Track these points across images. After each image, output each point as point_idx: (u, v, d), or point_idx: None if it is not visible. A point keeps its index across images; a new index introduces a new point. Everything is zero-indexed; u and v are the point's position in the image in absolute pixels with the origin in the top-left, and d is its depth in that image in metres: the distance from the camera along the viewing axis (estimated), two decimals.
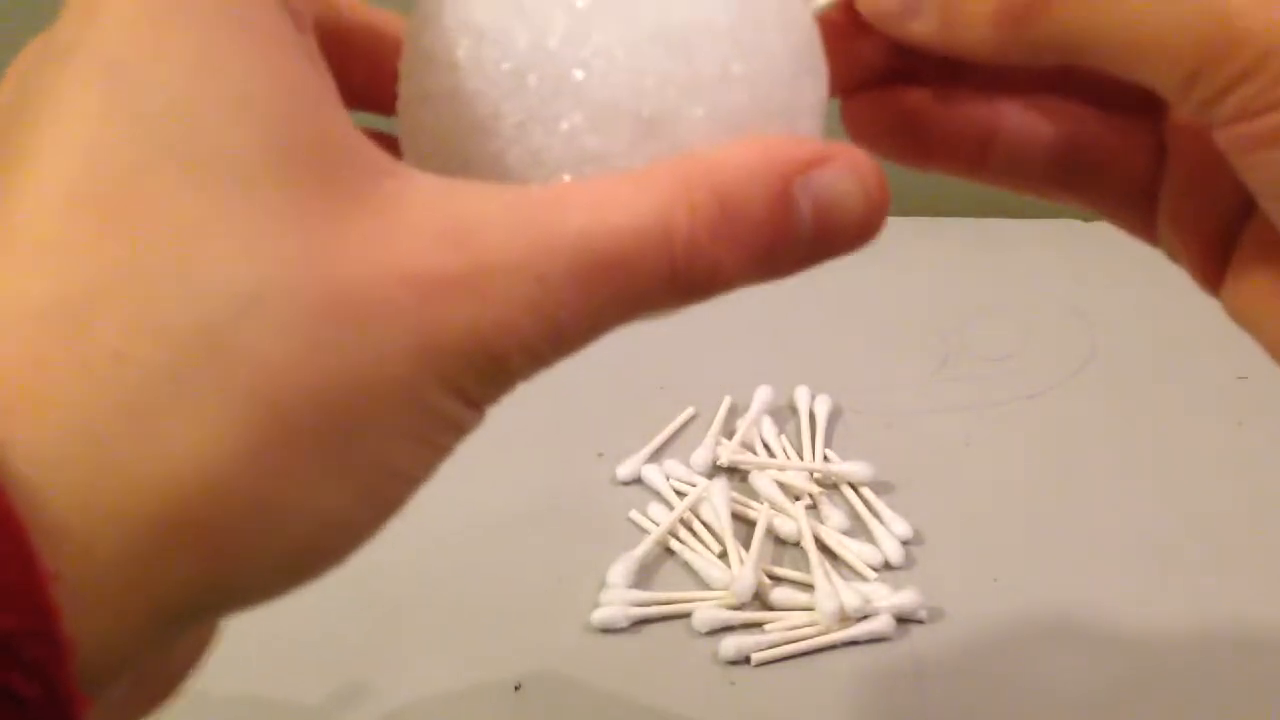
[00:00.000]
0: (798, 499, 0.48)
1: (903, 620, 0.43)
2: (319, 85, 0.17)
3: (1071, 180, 0.25)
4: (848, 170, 0.18)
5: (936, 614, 0.43)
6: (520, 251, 0.17)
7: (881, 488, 0.49)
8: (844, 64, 0.23)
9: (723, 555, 0.45)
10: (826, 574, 0.44)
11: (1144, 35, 0.19)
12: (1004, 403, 0.56)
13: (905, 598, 0.43)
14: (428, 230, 0.16)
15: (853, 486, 0.49)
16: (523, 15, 0.19)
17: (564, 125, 0.19)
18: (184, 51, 0.16)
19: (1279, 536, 0.48)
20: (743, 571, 0.44)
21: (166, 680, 0.20)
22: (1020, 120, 0.24)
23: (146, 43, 0.16)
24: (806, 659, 0.42)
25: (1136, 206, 0.25)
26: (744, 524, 0.47)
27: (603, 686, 0.41)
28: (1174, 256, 0.25)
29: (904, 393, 0.56)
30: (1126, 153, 0.24)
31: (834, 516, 0.47)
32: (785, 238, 0.18)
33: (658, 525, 0.47)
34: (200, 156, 0.15)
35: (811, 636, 0.42)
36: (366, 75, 0.22)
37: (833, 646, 0.42)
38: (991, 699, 0.40)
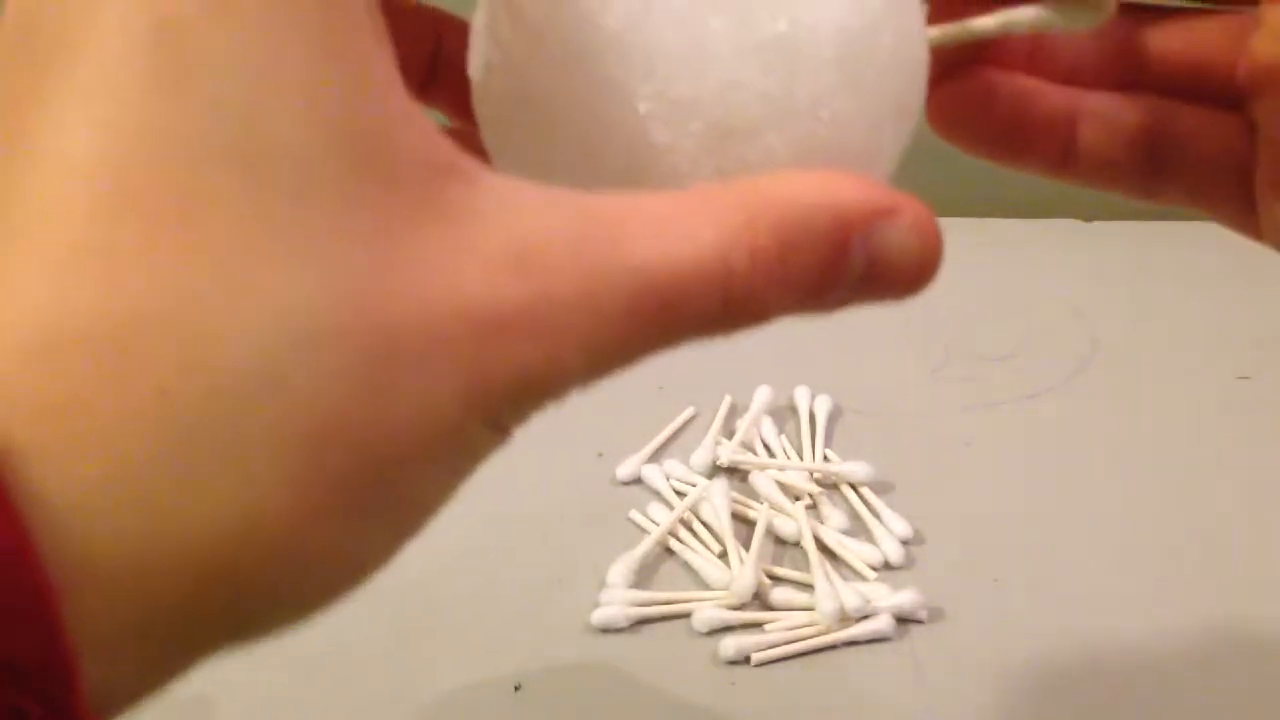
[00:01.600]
0: (798, 499, 0.48)
1: (903, 620, 0.43)
2: (385, 69, 0.16)
3: (1163, 170, 0.24)
4: (910, 226, 0.18)
5: (936, 614, 0.43)
6: (580, 281, 0.16)
7: (881, 488, 0.49)
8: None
9: (723, 555, 0.45)
10: (826, 574, 0.44)
11: None
12: (1004, 403, 0.56)
13: (905, 598, 0.43)
14: (491, 254, 0.16)
15: (853, 486, 0.49)
16: None
17: (641, 107, 0.18)
18: (245, 20, 0.14)
19: (1279, 536, 0.48)
20: (743, 571, 0.44)
21: None
22: (1105, 107, 0.24)
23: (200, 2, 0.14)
24: (806, 659, 0.42)
25: (1233, 193, 0.24)
26: (744, 524, 0.47)
27: (603, 686, 0.41)
28: None
29: (904, 393, 0.56)
30: (1216, 135, 0.24)
31: (834, 516, 0.47)
32: (834, 284, 0.18)
33: (658, 525, 0.47)
34: (259, 157, 0.14)
35: (811, 636, 0.42)
36: None
37: (833, 646, 0.42)
38: (991, 699, 0.40)
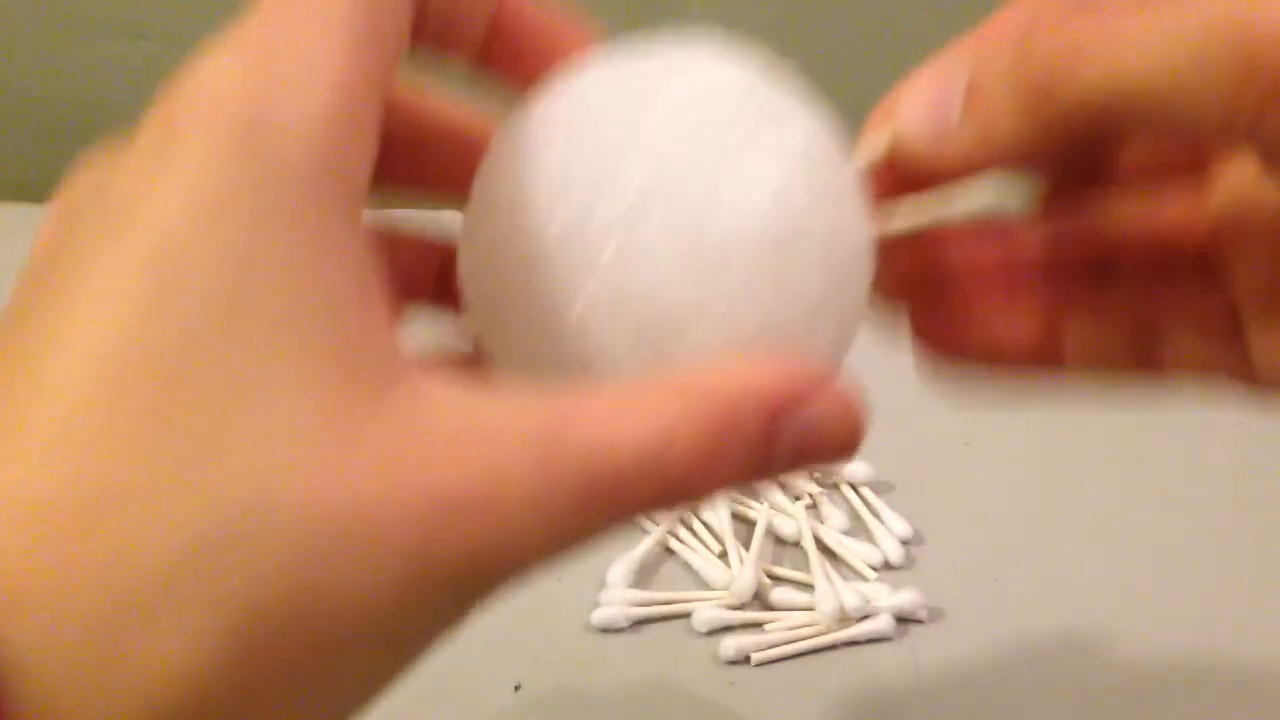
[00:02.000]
0: (798, 499, 0.48)
1: (903, 620, 0.43)
2: (358, 286, 0.17)
3: (1154, 350, 0.25)
4: (835, 405, 0.19)
5: (936, 614, 0.43)
6: (529, 471, 0.17)
7: (881, 488, 0.49)
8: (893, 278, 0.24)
9: (723, 555, 0.45)
10: (826, 574, 0.44)
11: (1174, 61, 0.19)
12: (1004, 403, 0.56)
13: (905, 598, 0.43)
14: (441, 446, 0.17)
15: (853, 486, 0.49)
16: (572, 191, 0.20)
17: (579, 306, 0.20)
18: (232, 249, 0.16)
19: (1279, 536, 0.48)
20: (743, 571, 0.44)
21: None
22: (1089, 302, 0.25)
23: (198, 234, 0.16)
24: (806, 659, 0.42)
25: (1228, 352, 0.24)
26: (744, 524, 0.47)
27: (603, 686, 0.41)
28: None
29: (904, 392, 0.56)
30: (1198, 303, 0.24)
31: (834, 516, 0.47)
32: (766, 465, 0.19)
33: (658, 525, 0.47)
34: (229, 362, 0.16)
35: (811, 636, 0.42)
36: (450, 163, 0.23)
37: (833, 646, 0.42)
38: (991, 699, 0.40)
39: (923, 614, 0.43)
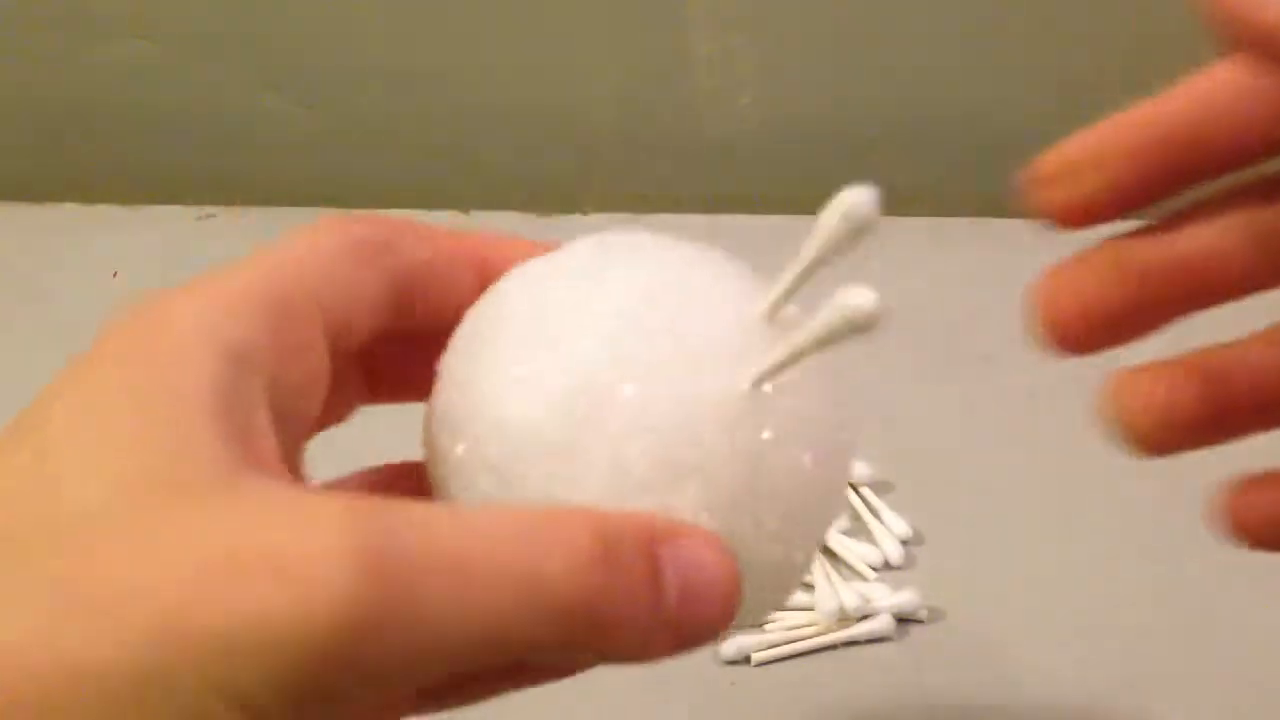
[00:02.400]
0: None
1: (903, 620, 0.43)
2: (202, 421, 0.18)
3: None
4: (705, 541, 0.19)
5: (936, 614, 0.43)
6: (339, 532, 0.16)
7: (881, 488, 0.49)
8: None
9: None
10: (826, 574, 0.44)
11: None
12: (1004, 402, 0.56)
13: (905, 598, 0.43)
14: (233, 522, 0.16)
15: (853, 486, 0.49)
16: (453, 405, 0.22)
17: (479, 487, 0.21)
18: (93, 429, 0.18)
19: None
20: None
21: None
22: None
23: (57, 412, 0.18)
24: (806, 659, 0.42)
25: None
26: None
27: (602, 686, 0.41)
28: None
29: (904, 392, 0.56)
30: None
31: None
32: (658, 600, 0.18)
33: None
34: (61, 487, 0.17)
35: (811, 636, 0.42)
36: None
37: (833, 646, 0.42)
38: (991, 699, 0.40)
39: (923, 614, 0.43)
